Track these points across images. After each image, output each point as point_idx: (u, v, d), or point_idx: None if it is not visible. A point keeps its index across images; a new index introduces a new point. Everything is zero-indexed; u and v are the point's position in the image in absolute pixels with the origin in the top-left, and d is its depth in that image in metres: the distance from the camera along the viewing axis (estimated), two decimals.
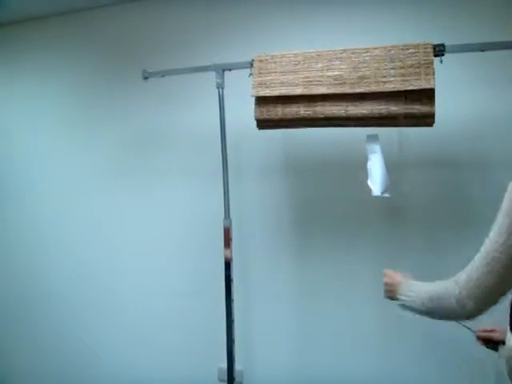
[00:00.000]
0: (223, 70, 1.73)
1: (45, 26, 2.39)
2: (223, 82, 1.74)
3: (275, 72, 1.57)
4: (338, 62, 1.49)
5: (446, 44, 1.43)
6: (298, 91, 1.52)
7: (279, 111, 1.56)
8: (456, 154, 1.74)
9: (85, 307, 2.35)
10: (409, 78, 1.41)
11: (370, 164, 1.52)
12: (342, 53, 1.50)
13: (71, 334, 2.39)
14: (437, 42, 1.43)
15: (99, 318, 2.33)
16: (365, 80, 1.45)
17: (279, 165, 2.00)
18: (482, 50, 1.43)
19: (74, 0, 2.21)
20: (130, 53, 2.22)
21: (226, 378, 1.88)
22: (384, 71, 1.44)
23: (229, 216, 1.79)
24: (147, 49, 2.18)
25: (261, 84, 1.57)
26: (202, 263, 2.12)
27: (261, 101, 1.58)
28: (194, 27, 2.10)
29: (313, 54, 1.53)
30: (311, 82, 1.51)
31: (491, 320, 1.09)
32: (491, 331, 1.20)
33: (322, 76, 1.50)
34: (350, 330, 1.90)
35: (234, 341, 1.83)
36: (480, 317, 0.93)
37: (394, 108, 1.43)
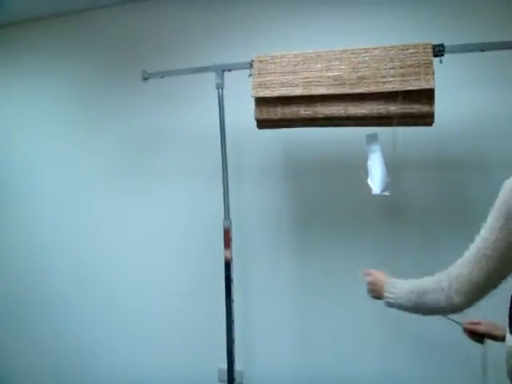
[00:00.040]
0: (223, 71, 1.73)
1: (44, 27, 2.39)
2: (223, 82, 1.74)
3: (275, 72, 1.57)
4: (337, 63, 1.49)
5: (445, 44, 1.43)
6: (298, 92, 1.52)
7: (279, 111, 1.56)
8: (456, 154, 1.75)
9: (84, 307, 2.36)
10: (408, 78, 1.41)
11: (369, 163, 1.52)
12: (341, 53, 1.50)
13: (71, 334, 2.39)
14: (436, 42, 1.43)
15: (99, 318, 2.33)
16: (364, 80, 1.45)
17: (279, 165, 2.00)
18: (482, 50, 1.43)
19: (73, 1, 2.21)
20: (129, 54, 2.23)
21: (226, 378, 1.88)
22: (383, 71, 1.44)
23: (229, 217, 1.79)
24: (147, 50, 2.18)
25: (260, 85, 1.57)
26: (201, 263, 2.13)
27: (260, 101, 1.58)
28: (194, 28, 2.10)
29: (312, 55, 1.53)
30: (311, 82, 1.51)
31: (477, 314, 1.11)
32: (477, 324, 1.21)
33: (321, 76, 1.50)
34: (351, 329, 1.90)
35: (234, 341, 1.83)
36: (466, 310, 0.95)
37: (393, 108, 1.43)
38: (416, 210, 1.81)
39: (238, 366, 1.95)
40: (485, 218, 0.93)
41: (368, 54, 1.47)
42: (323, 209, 1.94)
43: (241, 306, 1.96)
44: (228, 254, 1.78)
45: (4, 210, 2.52)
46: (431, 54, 1.41)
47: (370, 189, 1.52)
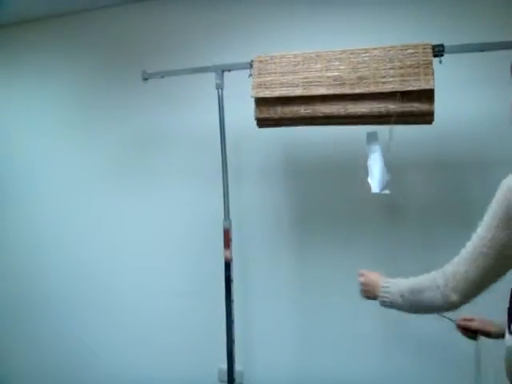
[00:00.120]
0: (223, 71, 1.73)
1: (44, 28, 2.39)
2: (223, 82, 1.74)
3: (275, 73, 1.57)
4: (337, 63, 1.49)
5: (445, 44, 1.43)
6: (298, 92, 1.52)
7: (279, 110, 1.56)
8: (455, 154, 1.75)
9: (84, 307, 2.36)
10: (408, 79, 1.41)
11: (369, 161, 1.52)
12: (341, 53, 1.50)
13: (70, 335, 2.39)
14: (436, 42, 1.43)
15: (99, 318, 2.33)
16: (364, 80, 1.45)
17: (279, 165, 2.00)
18: (482, 50, 1.43)
19: (73, 1, 2.21)
20: (129, 54, 2.23)
21: (226, 378, 1.88)
22: (383, 71, 1.44)
23: (228, 217, 1.79)
24: (147, 50, 2.18)
25: (260, 85, 1.57)
26: (201, 263, 2.13)
27: (260, 100, 1.59)
28: (194, 28, 2.11)
29: (312, 55, 1.53)
30: (311, 82, 1.51)
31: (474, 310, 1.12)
32: (470, 320, 1.22)
33: (321, 77, 1.50)
34: (351, 329, 1.90)
35: (234, 341, 1.83)
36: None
37: (393, 106, 1.43)
38: (416, 210, 1.81)
39: (238, 367, 1.94)
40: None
41: (368, 55, 1.47)
42: (323, 209, 1.94)
43: (241, 306, 1.96)
44: (228, 254, 1.78)
45: (4, 210, 2.52)
46: (431, 55, 1.41)
47: (369, 188, 1.52)
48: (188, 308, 2.16)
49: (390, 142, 1.43)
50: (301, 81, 1.52)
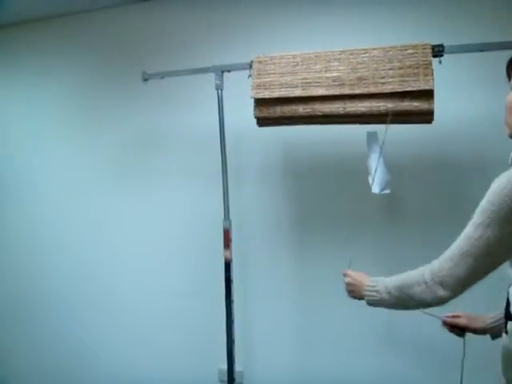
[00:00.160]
0: (222, 72, 1.73)
1: (44, 28, 2.39)
2: (222, 83, 1.74)
3: (274, 73, 1.57)
4: (336, 63, 1.49)
5: (444, 44, 1.43)
6: (297, 93, 1.52)
7: (278, 110, 1.56)
8: (455, 154, 1.75)
9: (84, 307, 2.36)
10: (407, 79, 1.41)
11: (369, 161, 1.52)
12: (340, 54, 1.50)
13: (70, 335, 2.40)
14: (435, 42, 1.43)
15: (99, 318, 2.34)
16: (363, 81, 1.45)
17: (278, 165, 2.00)
18: (481, 51, 1.43)
19: (73, 2, 2.21)
20: (129, 54, 2.23)
21: (226, 378, 1.88)
22: (382, 72, 1.44)
23: (228, 217, 1.79)
24: (147, 50, 2.18)
25: (260, 85, 1.58)
26: (201, 263, 2.13)
27: (260, 100, 1.59)
28: (194, 29, 2.11)
29: (311, 55, 1.53)
30: (310, 83, 1.51)
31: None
32: (456, 317, 1.22)
33: (320, 77, 1.50)
34: (351, 329, 1.90)
35: (234, 341, 1.83)
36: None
37: (392, 105, 1.43)
38: (415, 210, 1.81)
39: (238, 367, 1.95)
40: None
41: (367, 55, 1.47)
42: (323, 209, 1.94)
43: (241, 306, 1.96)
44: (228, 254, 1.79)
45: (4, 210, 2.53)
46: (430, 55, 1.41)
47: (369, 188, 1.52)
48: (188, 308, 2.16)
49: (384, 140, 1.43)
50: (300, 81, 1.52)
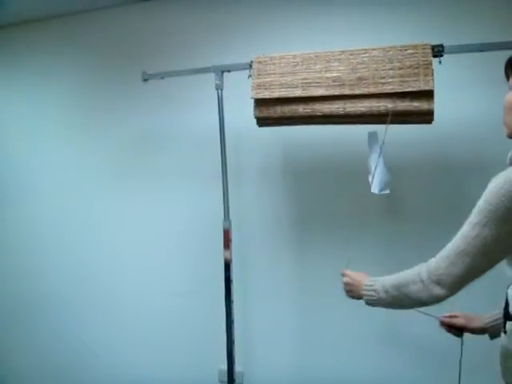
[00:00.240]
0: (222, 72, 1.73)
1: (44, 28, 2.39)
2: (222, 83, 1.74)
3: (274, 73, 1.57)
4: (336, 64, 1.49)
5: (444, 44, 1.43)
6: (297, 93, 1.52)
7: (278, 110, 1.56)
8: (455, 155, 1.75)
9: (84, 307, 2.36)
10: (407, 79, 1.41)
11: (370, 161, 1.52)
12: (340, 54, 1.50)
13: (70, 335, 2.40)
14: (435, 42, 1.43)
15: (99, 318, 2.34)
16: (363, 81, 1.45)
17: (278, 166, 2.00)
18: (481, 51, 1.43)
19: (73, 2, 2.21)
20: (129, 55, 2.23)
21: (226, 379, 1.88)
22: (382, 72, 1.44)
23: (228, 217, 1.79)
24: (147, 51, 2.18)
25: (260, 86, 1.58)
26: (201, 264, 2.13)
27: (260, 101, 1.59)
28: (194, 29, 2.11)
29: (311, 56, 1.53)
30: (310, 83, 1.51)
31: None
32: (454, 317, 1.22)
33: (320, 77, 1.50)
34: (351, 329, 1.90)
35: (233, 342, 1.83)
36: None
37: (392, 105, 1.43)
38: (415, 210, 1.81)
39: (238, 367, 1.95)
40: None
41: (367, 55, 1.47)
42: (323, 209, 1.94)
43: (241, 306, 1.96)
44: (228, 254, 1.79)
45: (4, 210, 2.53)
46: (430, 55, 1.41)
47: (369, 187, 1.52)
48: (188, 308, 2.16)
49: (384, 140, 1.43)
50: (300, 81, 1.52)
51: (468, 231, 0.90)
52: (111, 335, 2.32)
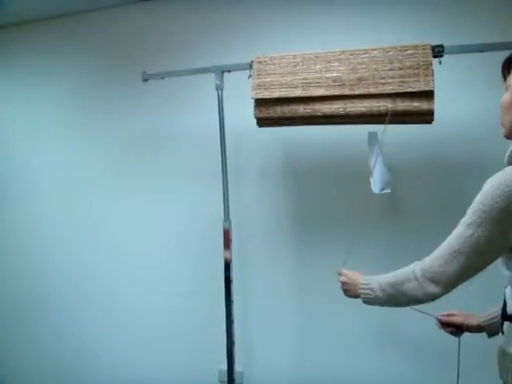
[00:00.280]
0: (222, 72, 1.73)
1: (44, 29, 2.39)
2: (222, 83, 1.74)
3: (274, 73, 1.57)
4: (336, 64, 1.49)
5: (444, 45, 1.43)
6: (297, 93, 1.52)
7: (278, 110, 1.56)
8: (455, 155, 1.75)
9: (84, 307, 2.36)
10: (408, 80, 1.41)
11: (370, 161, 1.53)
12: (340, 54, 1.50)
13: (70, 335, 2.39)
14: (435, 42, 1.43)
15: (99, 318, 2.34)
16: (363, 81, 1.45)
17: (279, 166, 2.00)
18: (481, 51, 1.43)
19: (73, 2, 2.21)
20: (129, 55, 2.23)
21: (226, 379, 1.88)
22: (382, 72, 1.44)
23: (228, 218, 1.79)
24: (147, 51, 2.18)
25: (260, 86, 1.58)
26: (201, 264, 2.13)
27: (260, 101, 1.59)
28: (194, 29, 2.10)
29: (311, 56, 1.53)
30: (310, 83, 1.51)
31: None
32: (451, 315, 1.23)
33: (320, 77, 1.50)
34: (351, 329, 1.90)
35: (233, 342, 1.83)
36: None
37: (392, 105, 1.43)
38: (416, 211, 1.81)
39: (238, 367, 1.95)
40: None
41: (367, 55, 1.47)
42: (323, 209, 1.94)
43: (241, 306, 1.96)
44: (228, 254, 1.79)
45: (4, 210, 2.53)
46: (430, 55, 1.41)
47: (370, 188, 1.52)
48: (188, 308, 2.16)
49: (383, 140, 1.44)
50: (300, 82, 1.52)
51: (462, 231, 0.91)
52: (111, 335, 2.32)
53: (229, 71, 1.73)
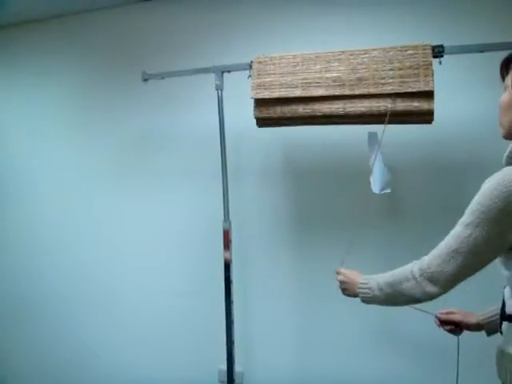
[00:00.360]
0: (222, 72, 1.73)
1: (44, 29, 2.39)
2: (222, 83, 1.74)
3: (274, 74, 1.57)
4: (336, 64, 1.49)
5: (444, 45, 1.43)
6: (297, 93, 1.52)
7: (278, 110, 1.56)
8: (455, 156, 1.75)
9: (84, 307, 2.36)
10: (408, 80, 1.41)
11: (371, 161, 1.53)
12: (340, 54, 1.50)
13: (70, 335, 2.39)
14: (435, 43, 1.43)
15: (99, 318, 2.34)
16: (363, 82, 1.45)
17: (279, 166, 2.00)
18: (481, 51, 1.43)
19: (73, 2, 2.21)
20: (129, 55, 2.23)
21: (225, 379, 1.88)
22: (382, 73, 1.44)
23: (228, 218, 1.79)
24: (147, 51, 2.18)
25: (260, 86, 1.58)
26: (201, 264, 2.13)
27: (259, 101, 1.59)
28: (194, 29, 2.10)
29: (311, 56, 1.53)
30: (310, 83, 1.51)
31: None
32: (450, 313, 1.23)
33: (320, 77, 1.51)
34: (351, 329, 1.90)
35: (233, 342, 1.83)
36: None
37: (392, 105, 1.43)
38: (416, 211, 1.81)
39: (237, 367, 1.95)
40: None
41: (367, 56, 1.47)
42: (323, 209, 1.94)
43: (241, 306, 1.96)
44: (228, 255, 1.79)
45: (4, 210, 2.53)
46: (430, 56, 1.41)
47: (369, 188, 1.52)
48: (188, 308, 2.16)
49: (383, 140, 1.43)
50: (300, 82, 1.52)
51: (460, 231, 0.91)
52: (111, 335, 2.32)
53: (229, 71, 1.73)
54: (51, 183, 2.42)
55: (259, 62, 1.60)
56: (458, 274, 0.92)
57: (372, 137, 1.53)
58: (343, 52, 1.50)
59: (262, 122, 1.62)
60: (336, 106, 1.49)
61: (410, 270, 0.98)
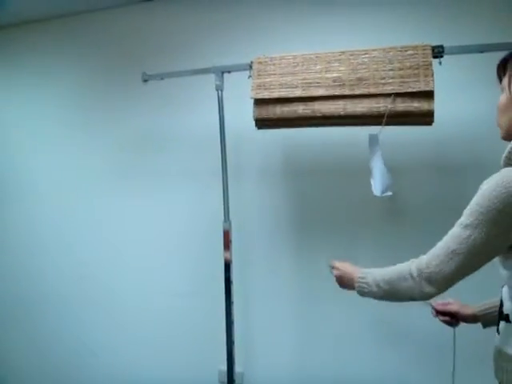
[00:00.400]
0: (222, 72, 1.73)
1: (44, 29, 2.39)
2: (222, 84, 1.74)
3: (274, 74, 1.57)
4: (336, 64, 1.50)
5: (444, 45, 1.43)
6: (297, 93, 1.52)
7: (277, 110, 1.56)
8: (455, 156, 1.75)
9: (84, 307, 2.36)
10: (408, 80, 1.41)
11: (371, 164, 1.52)
12: (340, 55, 1.50)
13: (70, 335, 2.40)
14: (435, 43, 1.43)
15: (99, 318, 2.34)
16: (363, 82, 1.46)
17: (279, 167, 2.00)
18: (481, 52, 1.43)
19: (73, 2, 2.21)
20: (129, 55, 2.23)
21: (226, 379, 1.88)
22: (383, 73, 1.44)
23: (228, 218, 1.79)
24: (147, 51, 2.18)
25: (260, 86, 1.58)
26: (202, 264, 2.13)
27: (259, 101, 1.59)
28: (194, 29, 2.11)
29: (312, 56, 1.54)
30: (310, 83, 1.51)
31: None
32: (447, 304, 1.24)
33: (320, 78, 1.51)
34: (351, 329, 1.90)
35: (233, 342, 1.83)
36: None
37: (392, 106, 1.43)
38: (416, 211, 1.81)
39: (238, 368, 1.95)
40: None
41: (367, 56, 1.47)
42: (323, 210, 1.94)
43: (241, 307, 1.96)
44: (228, 255, 1.79)
45: (4, 210, 2.53)
46: (430, 56, 1.41)
47: (370, 189, 1.52)
48: (188, 309, 2.16)
49: (381, 141, 1.43)
50: (300, 82, 1.52)
51: (459, 232, 0.91)
52: (111, 335, 2.33)
53: (229, 72, 1.73)
54: (51, 183, 2.42)
55: (259, 63, 1.60)
56: (456, 274, 0.92)
57: (372, 139, 1.53)
58: (343, 52, 1.50)
59: (261, 124, 1.62)
60: (336, 107, 1.49)
61: (407, 269, 0.98)
